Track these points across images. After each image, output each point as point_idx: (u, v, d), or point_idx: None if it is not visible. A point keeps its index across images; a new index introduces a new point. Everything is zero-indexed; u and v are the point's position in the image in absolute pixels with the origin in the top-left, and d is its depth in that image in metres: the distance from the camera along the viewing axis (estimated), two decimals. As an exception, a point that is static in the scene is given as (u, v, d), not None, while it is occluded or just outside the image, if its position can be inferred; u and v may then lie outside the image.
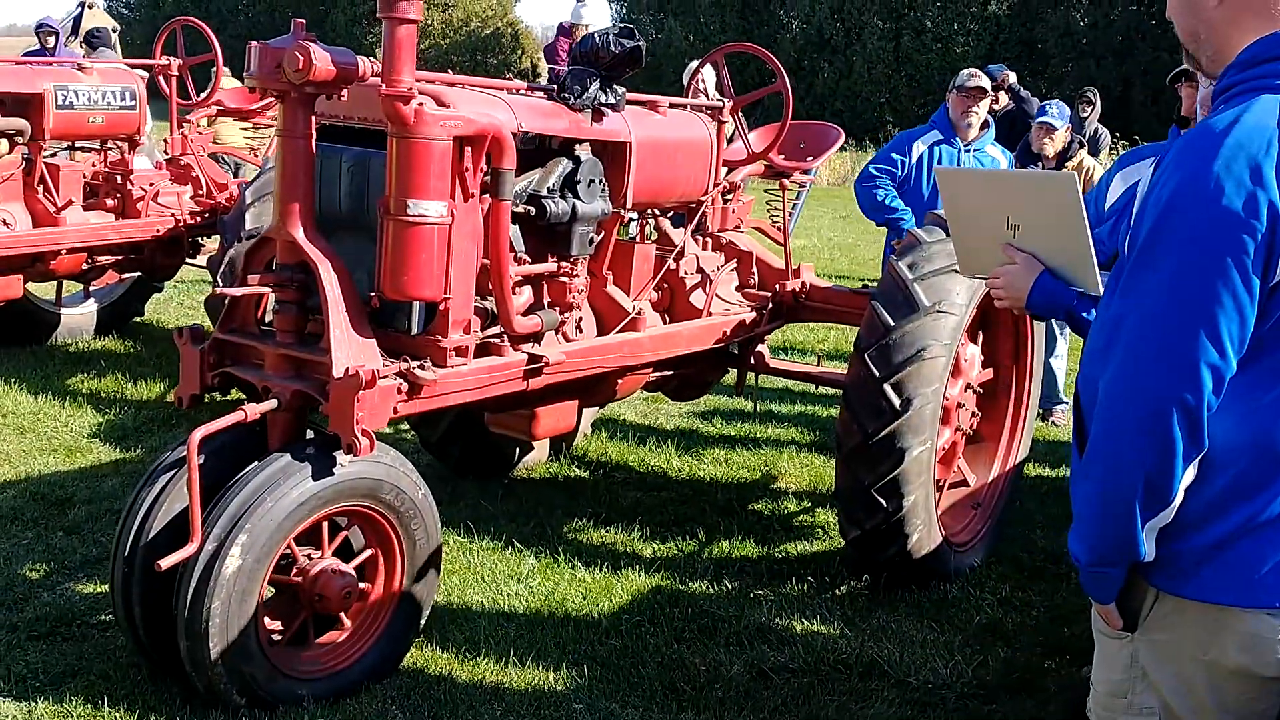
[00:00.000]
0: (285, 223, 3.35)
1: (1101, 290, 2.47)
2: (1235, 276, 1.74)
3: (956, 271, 4.25)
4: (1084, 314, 2.54)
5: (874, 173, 6.24)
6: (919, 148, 6.19)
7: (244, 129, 9.30)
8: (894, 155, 6.25)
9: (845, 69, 30.83)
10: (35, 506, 4.80)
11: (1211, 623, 1.88)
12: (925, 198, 6.13)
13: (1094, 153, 10.36)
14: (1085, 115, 10.51)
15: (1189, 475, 1.84)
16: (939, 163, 6.14)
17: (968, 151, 6.14)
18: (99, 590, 4.06)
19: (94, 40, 11.07)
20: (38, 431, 5.76)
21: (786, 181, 5.45)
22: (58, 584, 4.13)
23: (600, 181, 4.07)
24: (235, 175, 8.09)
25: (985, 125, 6.25)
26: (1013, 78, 9.57)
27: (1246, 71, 1.86)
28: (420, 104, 3.31)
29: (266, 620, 3.33)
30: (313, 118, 3.36)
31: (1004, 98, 8.72)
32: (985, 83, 6.15)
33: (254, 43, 3.28)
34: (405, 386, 3.40)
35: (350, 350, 3.32)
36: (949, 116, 6.22)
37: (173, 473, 3.33)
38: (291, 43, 3.19)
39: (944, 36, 30.02)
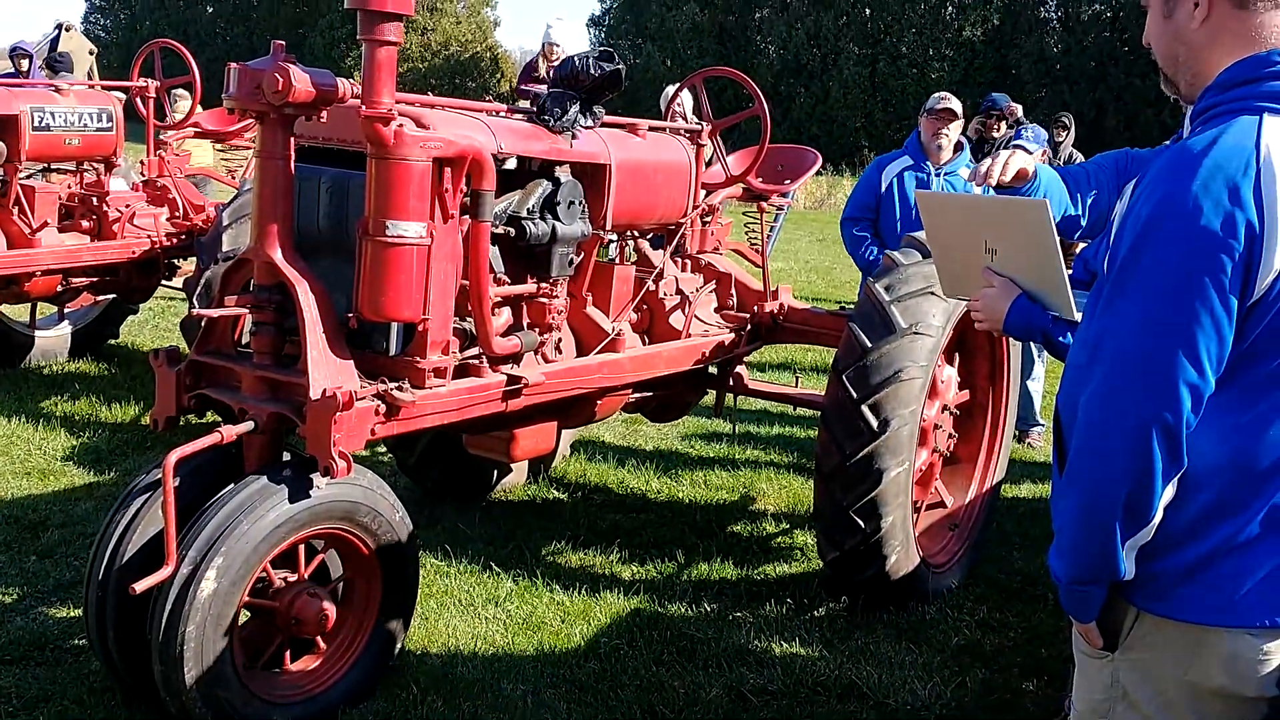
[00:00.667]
0: (263, 244, 3.34)
1: (1075, 313, 2.49)
2: (1213, 296, 1.76)
3: (933, 293, 4.28)
4: (1059, 338, 2.56)
5: (855, 215, 6.24)
6: (890, 174, 6.20)
7: (219, 150, 9.29)
8: (870, 184, 6.25)
9: (821, 94, 31.10)
10: (8, 530, 4.75)
11: (1192, 642, 1.88)
12: (897, 224, 6.16)
13: (1068, 177, 10.50)
14: (1060, 140, 10.62)
15: (1168, 493, 1.85)
16: (912, 187, 6.17)
17: (939, 175, 6.17)
18: (73, 614, 4.01)
19: (56, 65, 11.00)
20: (11, 454, 5.70)
21: (764, 204, 5.48)
22: (31, 608, 4.08)
23: (580, 203, 4.08)
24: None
25: (959, 147, 6.28)
26: (1019, 110, 9.59)
27: (1225, 93, 1.88)
28: (400, 125, 3.31)
29: (242, 644, 3.30)
30: (292, 139, 3.35)
31: (1004, 126, 8.77)
32: (955, 105, 6.18)
33: (233, 64, 3.28)
34: (383, 408, 3.38)
35: (328, 371, 3.30)
36: (920, 140, 6.26)
37: (148, 495, 3.30)
38: (271, 64, 3.19)
39: (919, 62, 30.33)
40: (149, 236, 7.01)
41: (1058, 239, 2.46)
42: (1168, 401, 1.78)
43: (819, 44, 31.12)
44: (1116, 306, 1.83)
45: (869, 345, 4.25)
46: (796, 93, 31.22)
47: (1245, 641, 1.85)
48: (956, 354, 4.80)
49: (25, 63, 11.37)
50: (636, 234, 4.89)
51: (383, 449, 5.68)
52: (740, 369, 5.25)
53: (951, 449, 4.89)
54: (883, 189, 6.14)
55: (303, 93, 3.17)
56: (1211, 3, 1.89)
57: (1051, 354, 2.61)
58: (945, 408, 4.72)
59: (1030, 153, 6.98)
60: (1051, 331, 2.53)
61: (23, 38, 12.02)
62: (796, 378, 5.98)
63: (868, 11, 31.17)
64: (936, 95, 6.33)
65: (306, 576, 3.41)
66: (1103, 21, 29.25)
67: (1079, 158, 10.69)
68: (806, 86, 31.22)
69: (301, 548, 3.36)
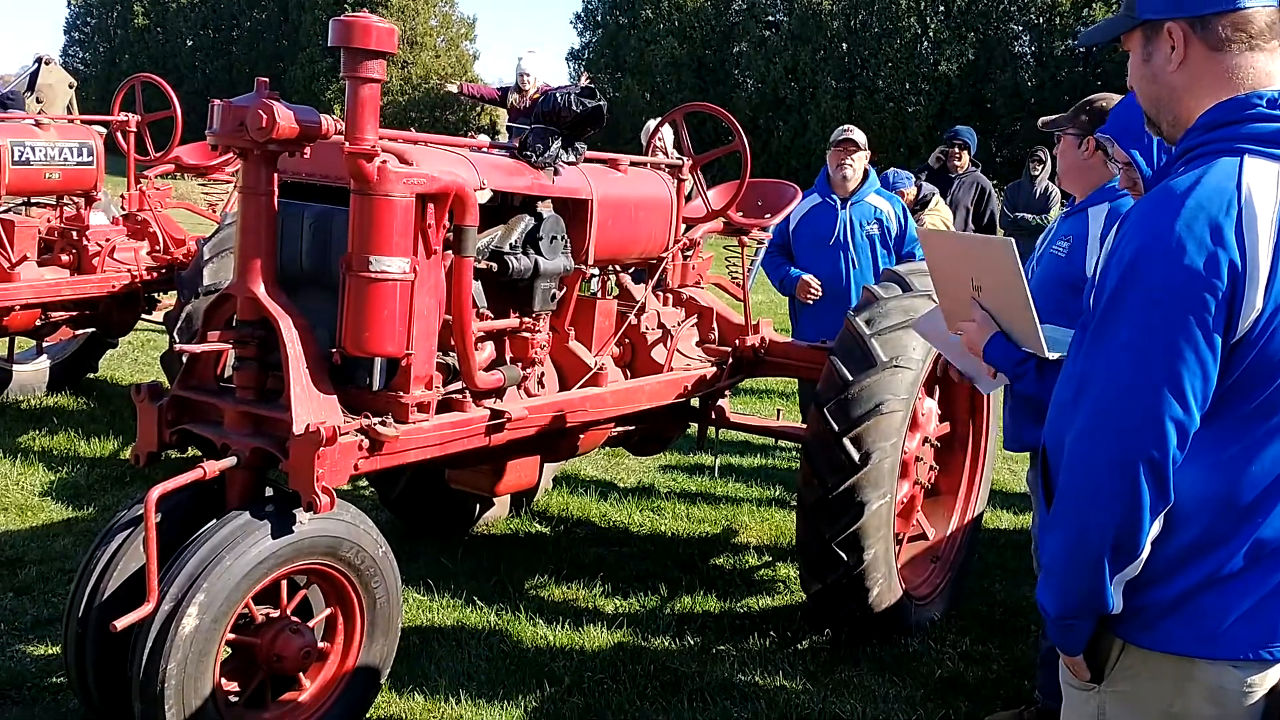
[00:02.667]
0: (246, 279, 3.35)
1: (1046, 350, 2.57)
2: (1198, 333, 1.78)
3: (912, 327, 4.32)
4: (1020, 381, 2.63)
5: (770, 250, 6.39)
6: (797, 213, 6.24)
7: (200, 184, 9.27)
8: (780, 227, 6.31)
9: (800, 127, 31.32)
10: (-16, 567, 4.70)
11: (1178, 674, 1.90)
12: (800, 256, 6.32)
13: (1045, 210, 10.57)
14: (1036, 174, 10.71)
15: (1156, 528, 1.87)
16: (821, 222, 6.26)
17: (845, 206, 6.25)
18: (50, 652, 3.98)
19: (6, 102, 10.80)
20: (-13, 490, 5.65)
21: (745, 238, 5.51)
22: (7, 645, 4.04)
23: (562, 238, 4.10)
24: None
25: (865, 176, 6.35)
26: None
27: (1206, 134, 1.91)
28: (383, 161, 3.33)
29: (224, 681, 3.27)
30: (275, 175, 3.37)
31: (966, 158, 8.97)
32: (857, 136, 6.30)
33: (217, 101, 3.29)
34: (366, 443, 3.38)
35: (311, 406, 3.30)
36: (828, 174, 6.37)
37: (129, 531, 3.28)
38: (255, 101, 3.20)
39: (896, 96, 30.59)
40: (129, 270, 6.98)
41: (1024, 278, 2.54)
42: (1154, 438, 1.80)
43: (797, 78, 31.38)
44: (1102, 344, 1.85)
45: (850, 378, 4.27)
46: (775, 126, 31.44)
47: (1230, 674, 1.87)
48: (937, 386, 4.83)
49: None
50: (618, 268, 4.91)
51: (365, 483, 5.66)
52: (722, 402, 5.26)
53: (933, 481, 4.91)
54: (792, 226, 6.30)
55: (286, 129, 3.19)
56: (1187, 47, 1.93)
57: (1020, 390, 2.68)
58: (926, 440, 4.75)
59: (906, 191, 7.10)
60: (1019, 371, 2.61)
61: None
62: (779, 411, 6.00)
63: (844, 46, 31.46)
64: (840, 128, 6.50)
65: (289, 612, 3.38)
66: (1076, 56, 29.62)
67: (1055, 191, 10.78)
68: (785, 120, 31.45)
69: (284, 583, 3.34)
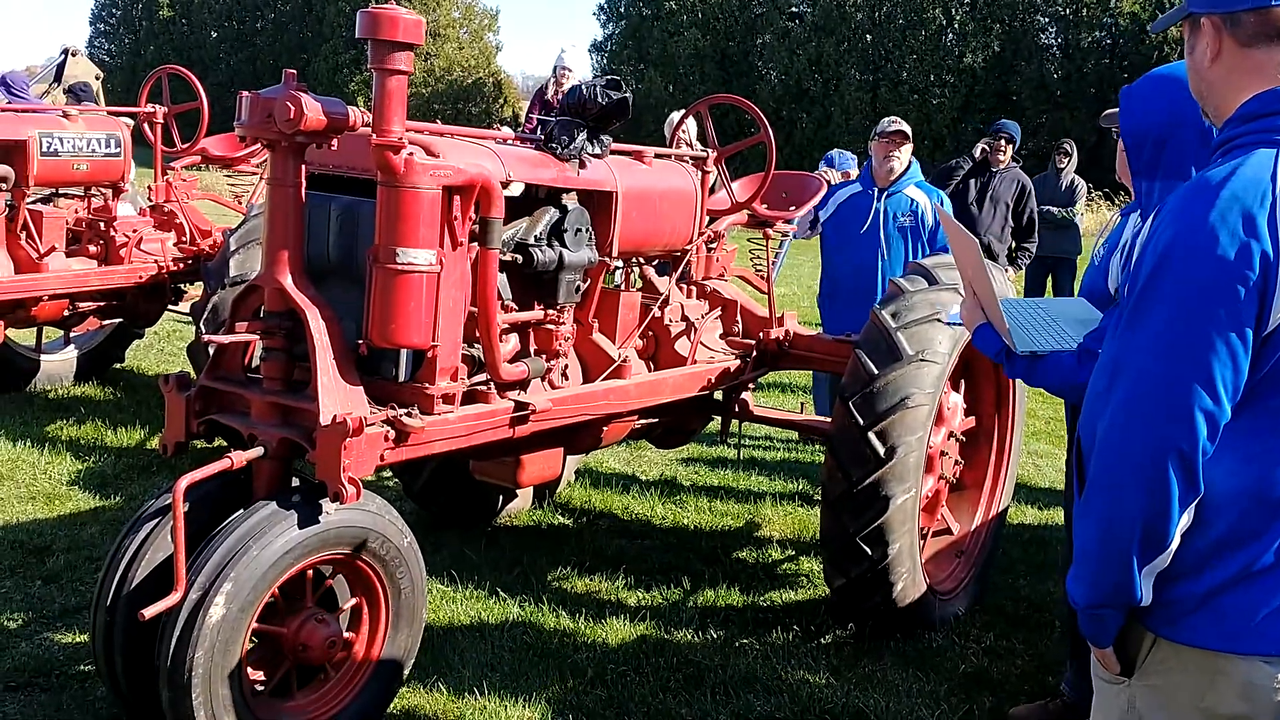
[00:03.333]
0: (274, 270, 3.36)
1: (1016, 346, 2.68)
2: (1228, 325, 1.78)
3: (939, 320, 4.30)
4: (1005, 369, 2.74)
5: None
6: (839, 198, 6.33)
7: (227, 176, 9.33)
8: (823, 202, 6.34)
9: (824, 119, 31.21)
10: (13, 555, 4.74)
11: (1208, 669, 1.89)
12: (836, 241, 6.35)
13: (1070, 203, 10.50)
14: (1062, 166, 10.63)
15: (1185, 520, 1.86)
16: (855, 209, 6.25)
17: (880, 197, 6.22)
18: (78, 640, 4.01)
19: (80, 94, 11.04)
20: (16, 479, 5.71)
21: (769, 230, 5.50)
22: (36, 633, 4.08)
23: (587, 230, 4.10)
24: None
25: (907, 167, 6.31)
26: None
27: (1243, 126, 1.92)
28: (410, 154, 3.33)
29: (250, 670, 3.29)
30: (302, 167, 3.38)
31: (1010, 151, 8.71)
32: (905, 127, 6.27)
33: (244, 93, 3.30)
34: (392, 434, 3.39)
35: (337, 397, 3.31)
36: (871, 168, 6.34)
37: (157, 520, 3.30)
38: (282, 93, 3.21)
39: (920, 88, 30.45)
40: (156, 261, 7.03)
41: (990, 276, 2.67)
42: (1184, 429, 1.79)
43: (820, 70, 31.27)
44: (1134, 334, 1.85)
45: (875, 372, 4.26)
46: (799, 118, 31.35)
47: (1260, 669, 1.86)
48: (962, 380, 4.81)
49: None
50: (642, 261, 4.90)
51: (389, 474, 5.68)
52: (746, 395, 5.25)
53: (958, 475, 4.89)
54: (828, 214, 6.32)
55: (314, 121, 3.20)
56: (1220, 42, 1.96)
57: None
58: (951, 434, 4.73)
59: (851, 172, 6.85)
60: (999, 358, 2.73)
61: (12, 68, 11.99)
62: (802, 405, 5.99)
63: (869, 38, 31.33)
64: (887, 119, 6.46)
65: (314, 603, 3.40)
66: (1103, 48, 29.40)
67: (1081, 184, 10.71)
68: (809, 112, 31.35)
69: (310, 573, 3.36)
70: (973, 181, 8.61)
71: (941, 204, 6.34)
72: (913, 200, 6.25)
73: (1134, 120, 2.86)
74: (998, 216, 8.45)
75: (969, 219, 8.35)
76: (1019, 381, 5.01)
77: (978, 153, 8.74)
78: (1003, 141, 8.57)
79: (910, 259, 6.07)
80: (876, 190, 6.26)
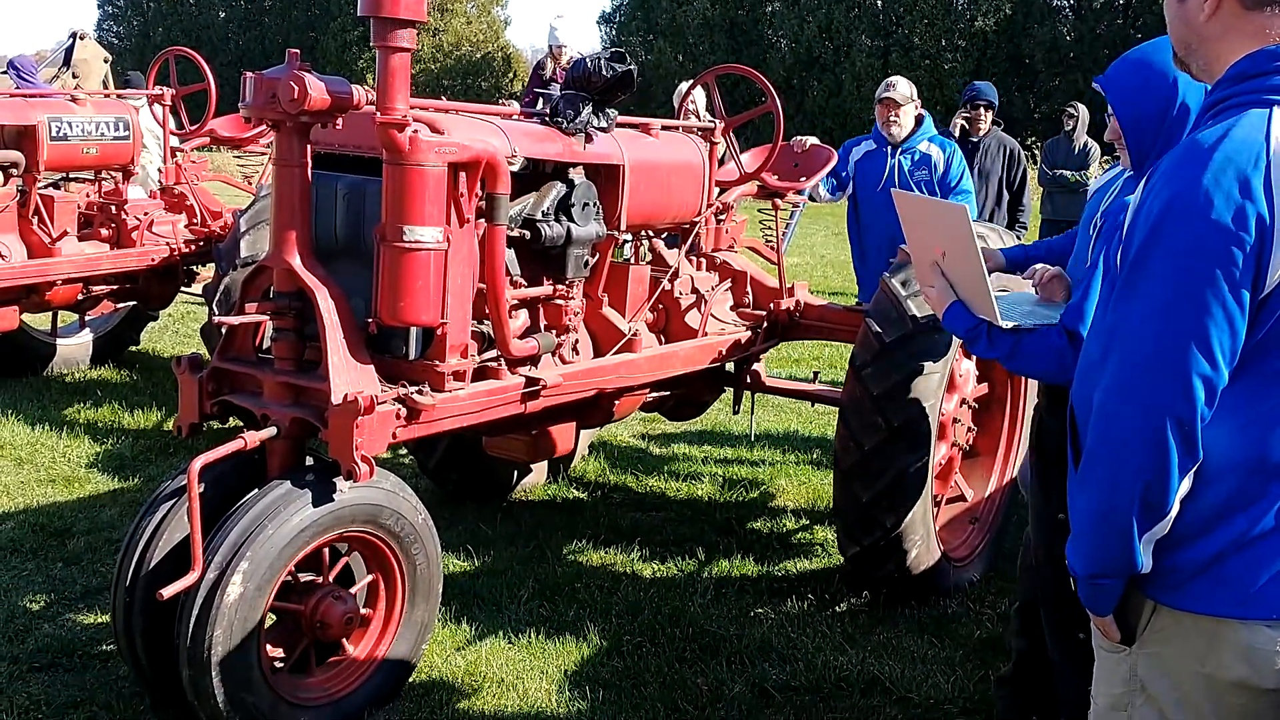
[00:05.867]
0: (282, 251, 3.37)
1: (1000, 320, 2.67)
2: (1225, 288, 1.77)
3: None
4: (973, 346, 2.78)
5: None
6: (855, 155, 6.30)
7: (236, 156, 9.34)
8: (841, 161, 6.28)
9: (834, 87, 31.02)
10: (34, 537, 4.80)
11: (1209, 635, 1.89)
12: (859, 203, 6.31)
13: (1084, 166, 10.42)
14: (1070, 129, 10.55)
15: (1184, 487, 1.86)
16: (874, 168, 6.20)
17: (895, 154, 6.17)
18: (100, 620, 4.06)
19: (131, 79, 11.13)
20: (35, 462, 5.76)
21: (779, 201, 5.48)
22: (58, 615, 4.13)
23: (594, 204, 4.10)
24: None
25: (919, 121, 6.22)
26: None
27: (1234, 86, 1.89)
28: (415, 131, 3.33)
29: (268, 647, 3.33)
30: (308, 146, 3.38)
31: (989, 118, 8.07)
32: (895, 94, 6.11)
33: (249, 73, 3.30)
34: (403, 411, 3.41)
35: (348, 376, 3.33)
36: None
37: (173, 501, 3.33)
38: (286, 72, 3.21)
39: (932, 54, 30.21)
40: (167, 244, 7.06)
41: (978, 244, 2.63)
42: (1182, 395, 1.79)
43: (831, 37, 31.04)
44: (1129, 301, 1.84)
45: (886, 340, 4.25)
46: (809, 86, 31.17)
47: (1262, 634, 1.86)
48: (974, 347, 4.79)
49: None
50: (651, 234, 4.90)
51: (403, 451, 5.71)
52: (758, 366, 5.26)
53: (971, 442, 4.89)
54: (851, 169, 6.28)
55: (318, 101, 3.20)
56: (1221, 1, 1.90)
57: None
58: (964, 401, 4.72)
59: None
60: (970, 339, 2.76)
61: (23, 51, 12.01)
62: (815, 374, 5.99)
63: (879, 3, 31.08)
64: (884, 83, 6.37)
65: (331, 580, 3.44)
66: (1115, 9, 29.10)
67: (1094, 146, 10.62)
68: (819, 80, 31.16)
69: (326, 551, 3.39)
70: None
71: (953, 157, 6.20)
72: (926, 154, 6.17)
73: (1133, 108, 2.79)
74: (990, 194, 7.76)
75: None
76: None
77: (956, 129, 7.96)
78: (981, 109, 7.84)
79: None
80: (890, 148, 6.21)
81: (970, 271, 2.65)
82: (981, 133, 7.87)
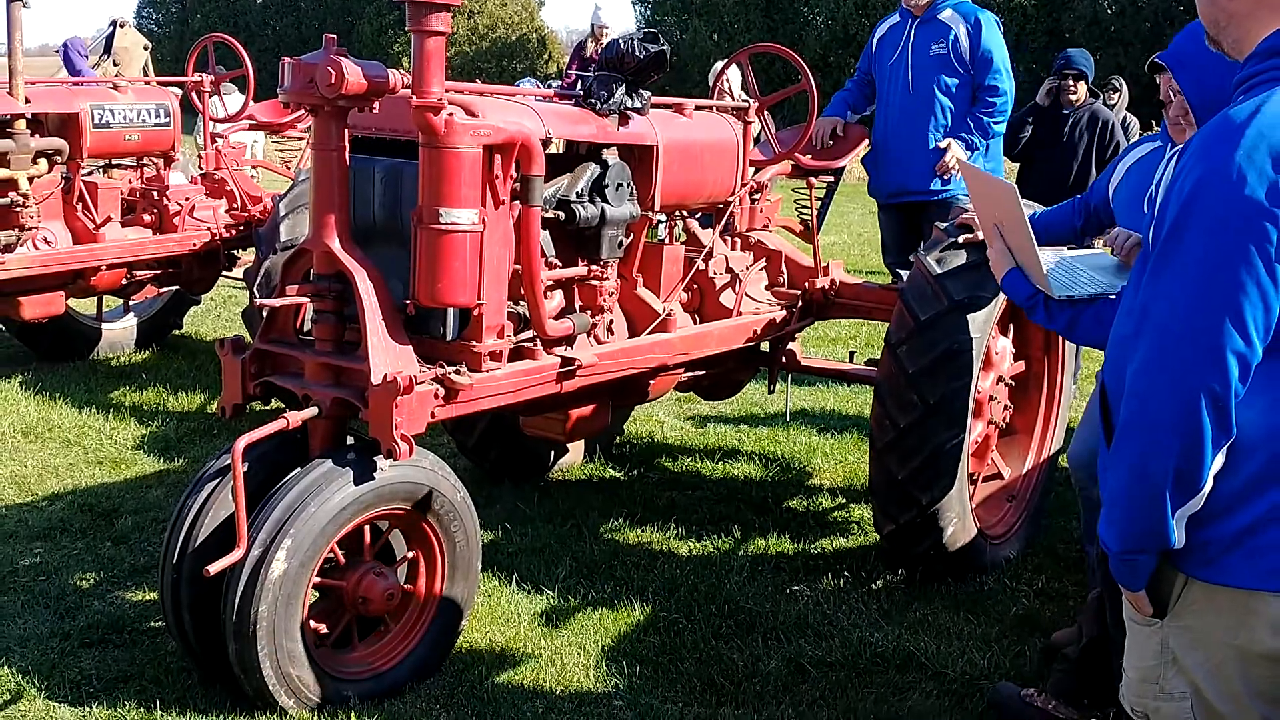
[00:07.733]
0: (321, 234, 3.42)
1: (1051, 290, 2.71)
2: (1259, 264, 1.77)
3: (986, 264, 4.28)
4: (1031, 315, 2.85)
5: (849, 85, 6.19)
6: (879, 30, 6.05)
7: (274, 141, 9.43)
8: (865, 51, 6.15)
9: (871, 64, 30.64)
10: (83, 518, 4.90)
11: (1241, 608, 1.89)
12: (885, 72, 5.94)
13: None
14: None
15: (1218, 462, 1.86)
16: (892, 39, 5.92)
17: (912, 24, 5.82)
18: (148, 598, 4.15)
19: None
20: (83, 444, 5.87)
21: (814, 180, 5.47)
22: (108, 593, 4.22)
23: (628, 185, 4.12)
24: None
25: None
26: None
27: (1264, 62, 1.88)
28: (450, 114, 3.37)
29: (312, 623, 3.40)
30: (346, 130, 3.43)
31: (1083, 88, 7.54)
32: None
33: (287, 59, 3.35)
34: (442, 391, 3.46)
35: (388, 357, 3.38)
36: None
37: (218, 481, 3.40)
38: (323, 58, 3.26)
39: (970, 29, 29.77)
40: (209, 228, 7.15)
41: (1028, 221, 2.73)
42: (1215, 370, 1.79)
43: (868, 13, 30.73)
44: (1162, 277, 1.84)
45: (921, 318, 4.25)
46: (846, 63, 30.87)
47: None
48: (1011, 325, 4.78)
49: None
50: (685, 214, 4.92)
51: (442, 431, 5.77)
52: (793, 345, 5.26)
53: (1008, 420, 4.88)
54: (874, 48, 6.03)
55: (355, 85, 3.24)
56: None
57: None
58: (1000, 379, 4.71)
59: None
60: (1026, 305, 2.83)
61: (76, 34, 12.17)
62: (851, 353, 5.98)
63: (916, -21, 30.76)
64: None
65: (372, 557, 3.50)
66: (1158, -19, 28.63)
67: (1134, 122, 10.47)
68: (855, 57, 30.90)
69: (367, 529, 3.45)
70: (1040, 130, 7.29)
71: (980, 28, 5.68)
72: (947, 26, 5.70)
73: (1203, 91, 2.75)
74: (1074, 168, 7.13)
75: (1050, 170, 7.16)
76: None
77: (1042, 99, 7.36)
78: (1071, 79, 7.19)
79: (943, 98, 5.74)
80: (912, 20, 5.80)
81: (1023, 244, 2.70)
82: (1075, 104, 7.26)
